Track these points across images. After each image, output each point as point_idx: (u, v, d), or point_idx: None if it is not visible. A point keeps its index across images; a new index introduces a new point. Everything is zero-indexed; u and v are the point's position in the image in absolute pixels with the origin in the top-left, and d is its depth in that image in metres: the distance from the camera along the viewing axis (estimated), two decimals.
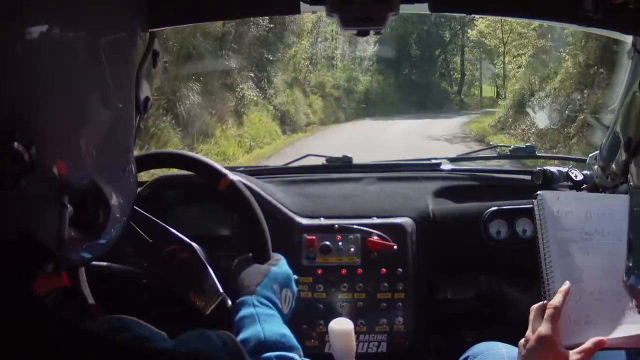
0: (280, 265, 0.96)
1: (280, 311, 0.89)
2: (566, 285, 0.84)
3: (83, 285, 1.03)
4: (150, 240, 1.09)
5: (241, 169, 1.61)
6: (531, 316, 0.86)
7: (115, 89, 0.53)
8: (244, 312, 0.85)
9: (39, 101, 0.45)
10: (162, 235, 1.09)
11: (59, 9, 0.47)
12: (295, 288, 0.98)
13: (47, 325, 0.43)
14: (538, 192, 0.92)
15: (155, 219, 1.10)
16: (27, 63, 0.44)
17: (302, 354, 0.81)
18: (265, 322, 0.82)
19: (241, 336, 0.80)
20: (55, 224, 0.48)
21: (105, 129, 0.53)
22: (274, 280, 0.91)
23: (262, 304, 0.87)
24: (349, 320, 1.09)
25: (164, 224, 1.10)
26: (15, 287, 0.46)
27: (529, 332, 0.84)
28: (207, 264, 1.07)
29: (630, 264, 0.70)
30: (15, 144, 0.43)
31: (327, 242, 1.32)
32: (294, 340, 0.82)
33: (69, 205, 0.49)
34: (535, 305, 0.87)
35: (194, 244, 1.09)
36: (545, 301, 0.86)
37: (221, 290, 1.02)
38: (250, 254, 1.01)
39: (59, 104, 0.47)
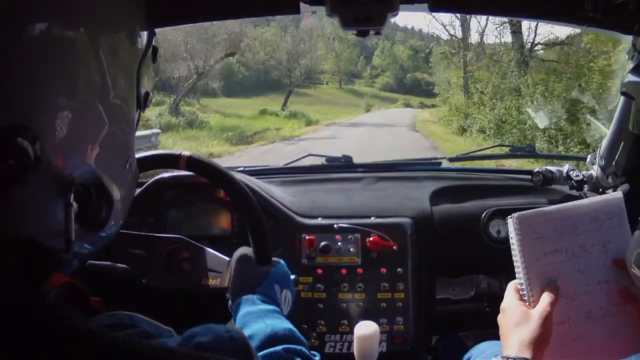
0: (279, 266, 0.97)
1: (280, 311, 0.90)
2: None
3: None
4: (150, 242, 1.09)
5: (241, 168, 1.60)
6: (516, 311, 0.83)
7: (116, 85, 0.54)
8: (247, 309, 0.86)
9: (41, 98, 0.46)
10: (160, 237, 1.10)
11: (59, 7, 0.47)
12: (294, 288, 0.98)
13: (51, 324, 0.43)
14: (512, 215, 0.81)
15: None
16: (29, 61, 0.45)
17: (308, 348, 0.81)
18: (270, 318, 0.83)
19: (247, 332, 0.80)
20: (61, 222, 0.48)
21: (107, 124, 0.53)
22: (275, 281, 0.93)
23: (264, 302, 0.88)
24: (374, 324, 1.04)
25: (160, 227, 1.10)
26: (21, 290, 0.45)
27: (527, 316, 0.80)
28: (201, 246, 1.07)
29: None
30: (20, 140, 0.43)
31: (327, 242, 1.32)
32: (300, 335, 0.82)
33: (74, 203, 0.49)
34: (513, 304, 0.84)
35: (179, 235, 1.09)
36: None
37: (228, 258, 1.02)
38: (251, 255, 1.01)
39: (61, 101, 0.48)
